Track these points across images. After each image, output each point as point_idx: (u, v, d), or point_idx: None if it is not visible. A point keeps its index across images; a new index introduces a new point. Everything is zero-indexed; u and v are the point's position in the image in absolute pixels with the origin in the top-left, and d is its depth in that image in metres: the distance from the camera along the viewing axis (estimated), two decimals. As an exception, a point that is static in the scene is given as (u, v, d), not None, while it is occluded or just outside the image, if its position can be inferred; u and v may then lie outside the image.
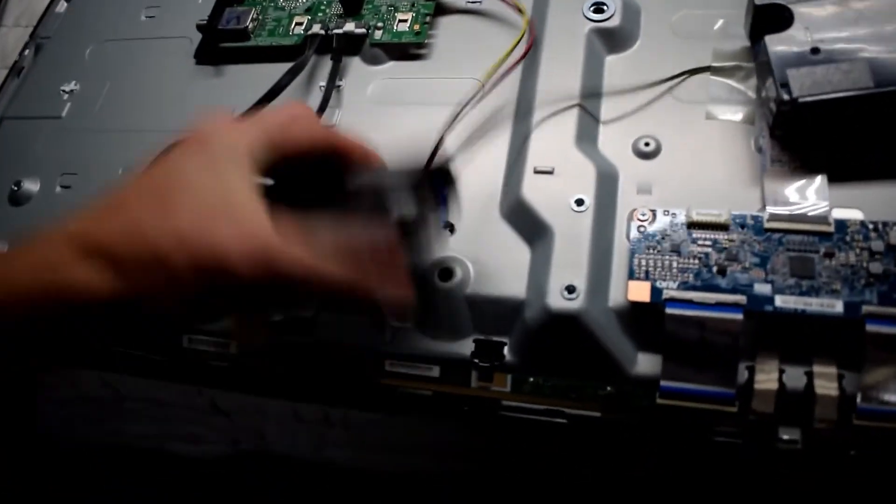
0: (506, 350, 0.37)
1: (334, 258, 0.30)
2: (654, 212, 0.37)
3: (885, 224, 0.35)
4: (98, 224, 0.29)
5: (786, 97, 0.35)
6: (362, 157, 0.33)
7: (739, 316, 0.34)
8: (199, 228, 0.28)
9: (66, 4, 0.58)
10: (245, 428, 0.50)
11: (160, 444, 0.52)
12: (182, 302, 0.29)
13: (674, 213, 0.37)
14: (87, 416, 0.53)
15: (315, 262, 0.29)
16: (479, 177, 0.40)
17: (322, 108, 0.43)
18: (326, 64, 0.45)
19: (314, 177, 0.33)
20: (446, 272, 0.37)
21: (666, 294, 0.35)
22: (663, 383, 0.35)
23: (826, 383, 0.34)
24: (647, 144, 0.39)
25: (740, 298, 0.34)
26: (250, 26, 0.47)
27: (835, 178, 0.37)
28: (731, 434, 0.36)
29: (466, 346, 0.37)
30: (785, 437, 0.35)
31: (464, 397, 0.37)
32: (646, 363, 0.36)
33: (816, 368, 0.34)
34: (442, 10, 0.46)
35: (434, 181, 0.34)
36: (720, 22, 0.43)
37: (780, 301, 0.34)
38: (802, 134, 0.37)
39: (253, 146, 0.30)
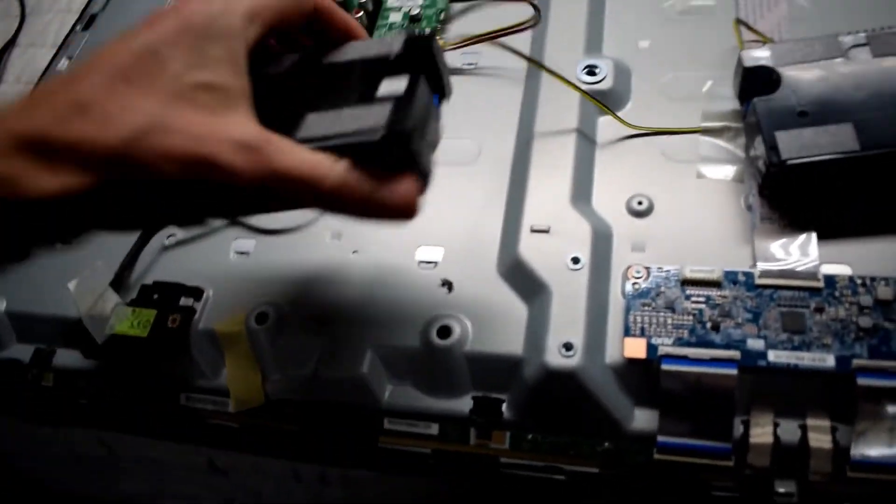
0: (504, 407, 0.37)
1: (330, 157, 0.28)
2: (648, 269, 0.38)
3: (872, 279, 0.36)
4: (51, 121, 0.26)
5: (775, 159, 0.36)
6: (344, 26, 0.33)
7: (734, 371, 0.34)
8: (182, 121, 0.26)
9: (67, 62, 0.59)
10: (242, 487, 0.49)
11: (154, 502, 0.52)
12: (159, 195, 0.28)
13: (667, 271, 0.38)
14: (81, 473, 0.53)
15: (315, 160, 0.28)
16: (476, 234, 0.41)
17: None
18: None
19: (299, 55, 0.33)
20: (444, 330, 0.37)
21: (661, 350, 0.35)
22: (660, 439, 0.35)
23: (820, 436, 0.34)
24: (639, 203, 0.40)
25: (734, 354, 0.35)
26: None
27: (823, 234, 0.38)
28: (729, 488, 0.36)
29: (465, 404, 0.38)
30: (781, 490, 0.35)
31: (462, 454, 0.38)
32: (643, 419, 0.36)
33: (810, 422, 0.35)
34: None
35: (418, 52, 0.31)
36: (709, 83, 0.45)
37: (773, 356, 0.35)
38: (791, 193, 0.38)
39: (246, 25, 0.29)
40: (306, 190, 0.28)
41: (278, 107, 0.31)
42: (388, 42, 0.32)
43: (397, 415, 0.38)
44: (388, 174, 0.29)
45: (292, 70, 0.33)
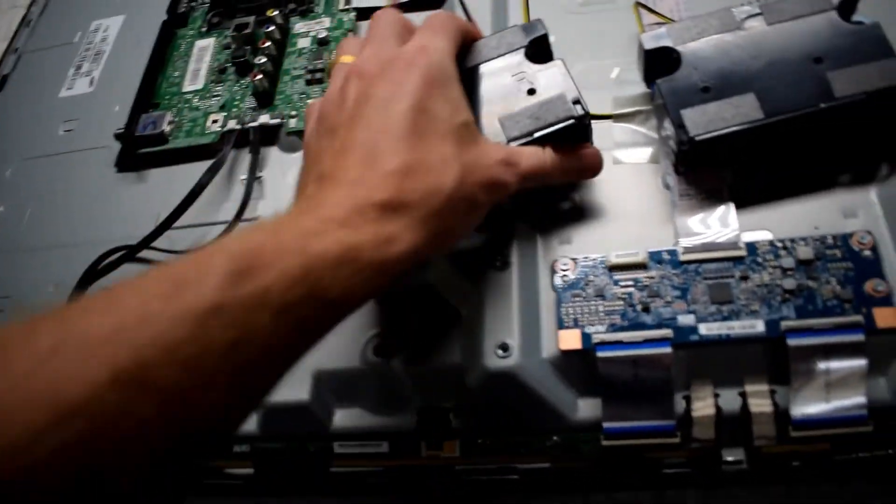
0: (451, 416, 0.37)
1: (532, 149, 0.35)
2: (574, 260, 0.38)
3: (792, 240, 0.37)
4: (379, 188, 0.29)
5: (684, 137, 0.37)
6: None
7: (668, 349, 0.35)
8: (472, 159, 0.32)
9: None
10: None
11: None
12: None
13: (594, 259, 0.38)
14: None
15: (536, 155, 0.35)
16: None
17: (245, 201, 0.43)
18: (245, 157, 0.46)
19: None
20: (382, 349, 0.37)
21: (595, 338, 0.36)
22: (606, 425, 0.35)
23: (759, 401, 0.35)
24: (561, 199, 0.41)
25: (667, 333, 0.35)
26: (167, 129, 0.48)
27: (741, 204, 0.38)
28: (680, 464, 0.36)
29: (412, 418, 0.38)
30: (729, 458, 0.36)
31: (416, 468, 0.38)
32: (587, 408, 0.37)
33: (749, 388, 0.35)
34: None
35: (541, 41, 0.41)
36: (616, 70, 0.45)
37: (704, 329, 0.35)
38: (705, 167, 0.39)
39: (452, 57, 0.34)
40: (539, 179, 0.35)
41: None
42: (507, 38, 0.39)
43: (346, 437, 0.38)
44: (577, 148, 0.37)
45: None
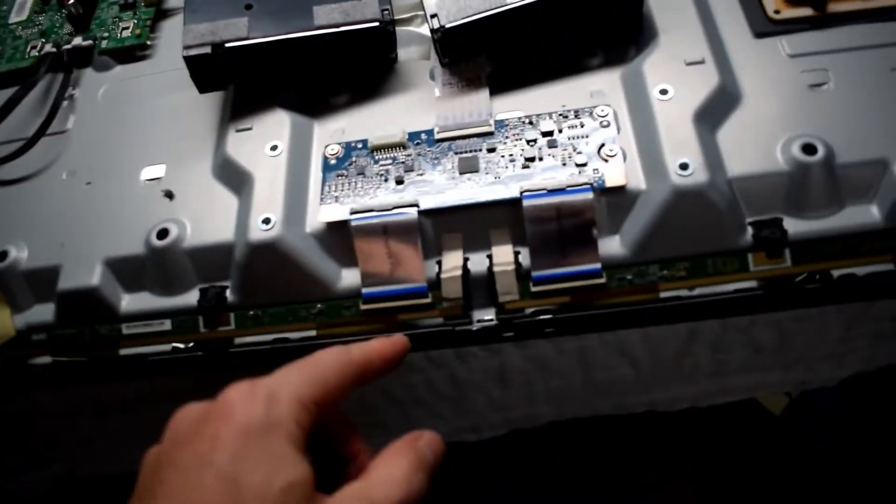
0: (228, 293, 0.40)
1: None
2: (342, 145, 0.41)
3: (538, 115, 0.40)
4: None
5: (436, 25, 0.40)
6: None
7: (414, 214, 0.37)
8: None
9: None
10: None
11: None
12: None
13: (359, 143, 0.41)
14: None
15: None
16: (192, 147, 0.43)
17: (50, 117, 0.46)
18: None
19: None
20: (163, 232, 0.40)
21: (351, 209, 0.38)
22: (364, 291, 0.38)
23: (503, 260, 0.37)
24: (337, 93, 0.43)
25: (414, 199, 0.38)
26: (-8, 60, 0.50)
27: (498, 90, 0.41)
28: (437, 324, 0.39)
29: (193, 297, 0.40)
30: (481, 317, 0.38)
31: (197, 343, 0.40)
32: (349, 277, 0.39)
33: (495, 249, 0.38)
34: (163, 15, 0.50)
35: None
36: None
37: (450, 196, 0.38)
38: (464, 57, 0.42)
39: (298, 411, 0.27)
40: None
41: None
42: None
43: (133, 319, 0.41)
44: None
45: None
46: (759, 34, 0.41)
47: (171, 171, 0.43)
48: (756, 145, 0.38)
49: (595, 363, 0.46)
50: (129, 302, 0.41)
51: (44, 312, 0.41)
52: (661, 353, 0.46)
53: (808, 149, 0.36)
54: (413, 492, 0.27)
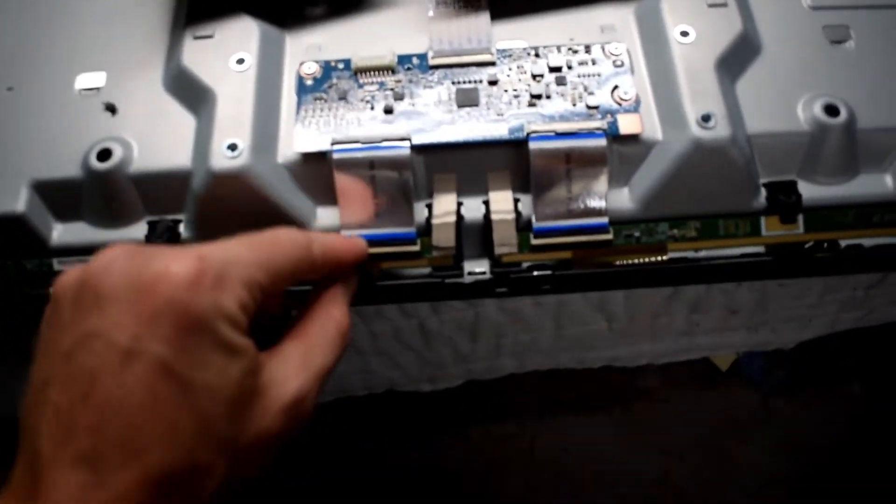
0: (181, 227, 0.35)
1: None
2: (320, 64, 0.36)
3: (545, 48, 0.36)
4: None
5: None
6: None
7: (406, 149, 0.33)
8: (249, 434, 0.24)
9: None
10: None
11: None
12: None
13: (340, 62, 0.35)
14: None
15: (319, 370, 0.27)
16: (138, 53, 0.37)
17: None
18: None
19: None
20: (105, 153, 0.34)
21: (333, 139, 0.33)
22: (343, 234, 0.33)
23: (502, 208, 0.34)
24: (313, 4, 0.38)
25: (406, 133, 0.33)
26: None
27: (499, 15, 0.37)
28: (426, 275, 0.35)
29: (140, 230, 0.35)
30: (474, 269, 0.35)
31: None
32: (326, 217, 0.34)
33: (492, 195, 0.34)
34: None
35: None
36: None
37: (446, 131, 0.34)
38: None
39: (246, 311, 0.25)
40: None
41: None
42: None
43: (68, 253, 0.35)
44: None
45: None
46: (781, -21, 0.38)
47: (112, 80, 0.37)
48: (776, 101, 0.35)
49: (570, 317, 0.44)
50: (61, 233, 0.35)
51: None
52: (639, 310, 0.44)
53: (831, 110, 0.34)
54: (342, 351, 0.28)
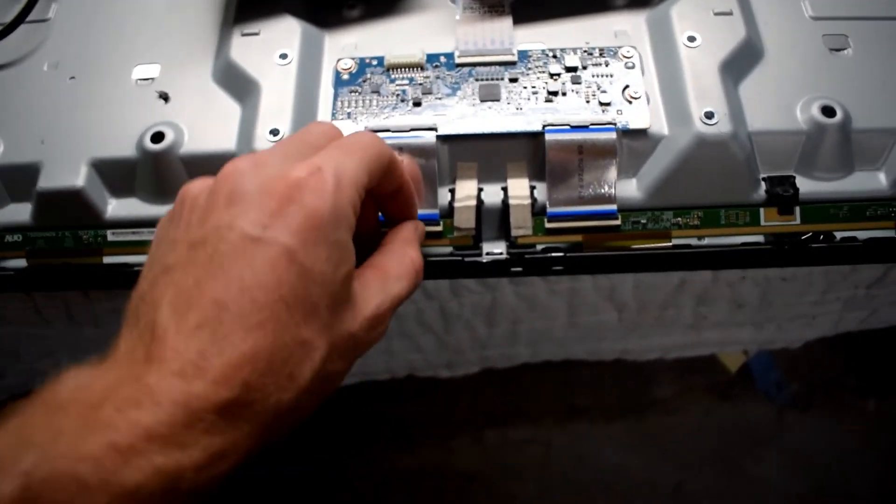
0: (225, 204, 0.38)
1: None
2: (356, 60, 0.39)
3: (563, 50, 0.39)
4: (221, 383, 0.23)
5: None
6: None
7: (433, 138, 0.36)
8: (340, 334, 0.27)
9: None
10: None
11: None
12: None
13: (374, 59, 0.39)
14: None
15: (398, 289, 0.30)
16: (191, 47, 0.41)
17: (31, 2, 0.42)
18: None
19: None
20: (158, 135, 0.37)
21: (366, 128, 0.36)
22: (376, 214, 0.36)
23: (519, 194, 0.37)
24: (351, 6, 0.41)
25: (433, 123, 0.36)
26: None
27: (521, 20, 0.40)
28: (447, 254, 0.38)
29: (187, 206, 0.38)
30: (491, 250, 0.37)
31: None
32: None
33: (510, 182, 0.37)
34: None
35: None
36: None
37: (470, 124, 0.37)
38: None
39: (357, 190, 0.27)
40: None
41: None
42: None
43: (120, 226, 0.38)
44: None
45: None
46: (784, -9, 0.41)
47: (165, 72, 0.40)
48: (776, 102, 0.38)
49: (583, 306, 0.46)
50: (115, 207, 0.38)
51: (19, 212, 0.39)
52: (648, 300, 0.46)
53: (827, 111, 0.37)
54: (415, 287, 0.31)
